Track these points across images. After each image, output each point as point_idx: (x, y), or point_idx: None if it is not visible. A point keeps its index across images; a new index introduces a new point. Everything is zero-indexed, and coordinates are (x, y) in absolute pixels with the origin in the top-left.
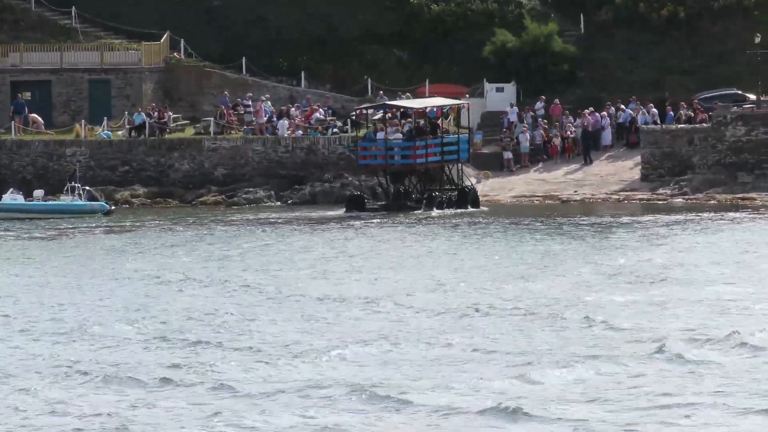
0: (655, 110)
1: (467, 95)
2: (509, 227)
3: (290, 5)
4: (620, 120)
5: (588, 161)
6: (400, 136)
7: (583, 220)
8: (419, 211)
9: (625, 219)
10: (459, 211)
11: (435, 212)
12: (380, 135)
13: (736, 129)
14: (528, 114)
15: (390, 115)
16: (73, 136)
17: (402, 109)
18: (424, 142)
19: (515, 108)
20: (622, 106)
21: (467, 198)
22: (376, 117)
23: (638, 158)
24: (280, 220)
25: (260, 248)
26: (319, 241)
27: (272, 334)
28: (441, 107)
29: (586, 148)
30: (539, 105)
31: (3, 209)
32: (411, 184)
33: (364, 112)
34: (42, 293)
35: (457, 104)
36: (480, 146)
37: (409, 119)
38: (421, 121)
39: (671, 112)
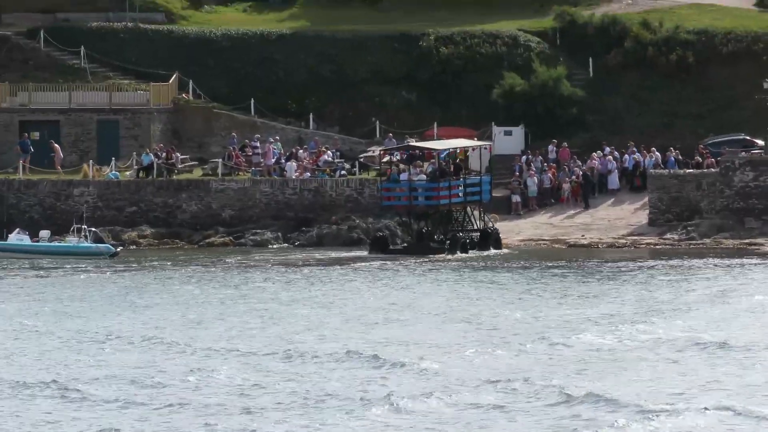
0: (658, 154)
1: (475, 138)
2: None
3: (299, 47)
4: (625, 165)
5: (587, 206)
6: (423, 177)
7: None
8: (445, 254)
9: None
10: (484, 253)
11: (459, 255)
12: (404, 176)
13: (744, 174)
14: (538, 158)
15: (400, 156)
16: (81, 176)
17: (417, 151)
18: (447, 183)
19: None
20: (634, 149)
21: (489, 239)
22: (385, 160)
23: (643, 201)
24: (309, 263)
25: (307, 295)
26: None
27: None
28: (447, 150)
29: (586, 193)
30: (551, 149)
31: (8, 249)
32: (434, 225)
33: (388, 153)
34: None
35: (476, 146)
36: None
37: (432, 160)
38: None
39: (672, 158)
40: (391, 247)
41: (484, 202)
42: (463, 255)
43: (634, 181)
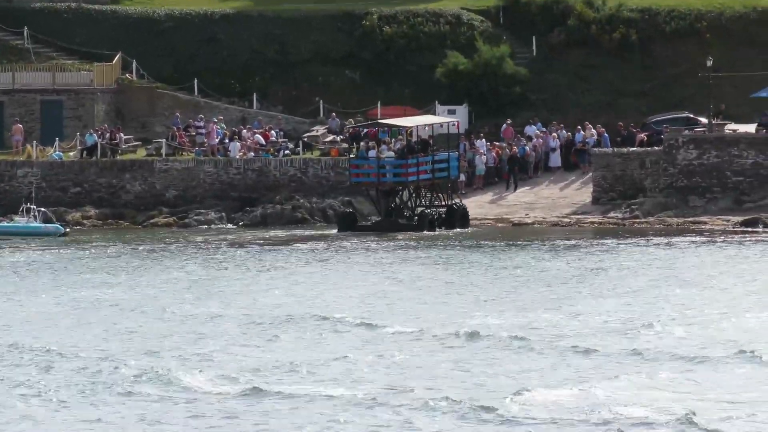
0: (594, 131)
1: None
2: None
3: (242, 27)
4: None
5: (513, 187)
6: (392, 154)
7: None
8: (412, 232)
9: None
10: (450, 231)
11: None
12: (372, 153)
13: (688, 152)
14: (482, 141)
15: (344, 136)
16: (24, 157)
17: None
18: (415, 160)
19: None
20: (576, 128)
21: (455, 216)
22: (328, 139)
23: (583, 179)
24: (281, 240)
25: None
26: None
27: None
28: (386, 125)
29: (513, 174)
30: (505, 128)
31: None
32: (401, 201)
33: (357, 129)
34: None
35: (444, 122)
36: None
37: (401, 137)
38: (413, 140)
39: (606, 135)
40: (359, 223)
41: (452, 179)
42: (430, 233)
43: (570, 159)
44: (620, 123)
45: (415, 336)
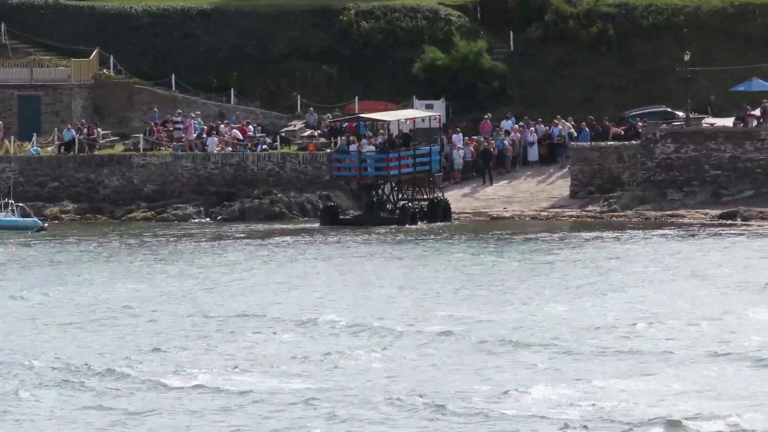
0: (569, 125)
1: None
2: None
3: (219, 22)
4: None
5: (489, 182)
6: (373, 148)
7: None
8: (393, 226)
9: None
10: (432, 225)
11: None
12: (353, 147)
13: (666, 146)
14: (458, 134)
15: (321, 131)
16: (2, 152)
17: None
18: (396, 154)
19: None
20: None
21: (437, 210)
22: (306, 134)
23: (561, 173)
24: (262, 234)
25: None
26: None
27: None
28: (369, 120)
29: (487, 168)
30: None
31: None
32: (383, 195)
33: (338, 124)
34: None
35: (425, 117)
36: None
37: (382, 131)
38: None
39: (586, 129)
40: (341, 217)
41: (434, 173)
42: (412, 226)
43: (540, 152)
44: (591, 117)
45: (397, 333)
